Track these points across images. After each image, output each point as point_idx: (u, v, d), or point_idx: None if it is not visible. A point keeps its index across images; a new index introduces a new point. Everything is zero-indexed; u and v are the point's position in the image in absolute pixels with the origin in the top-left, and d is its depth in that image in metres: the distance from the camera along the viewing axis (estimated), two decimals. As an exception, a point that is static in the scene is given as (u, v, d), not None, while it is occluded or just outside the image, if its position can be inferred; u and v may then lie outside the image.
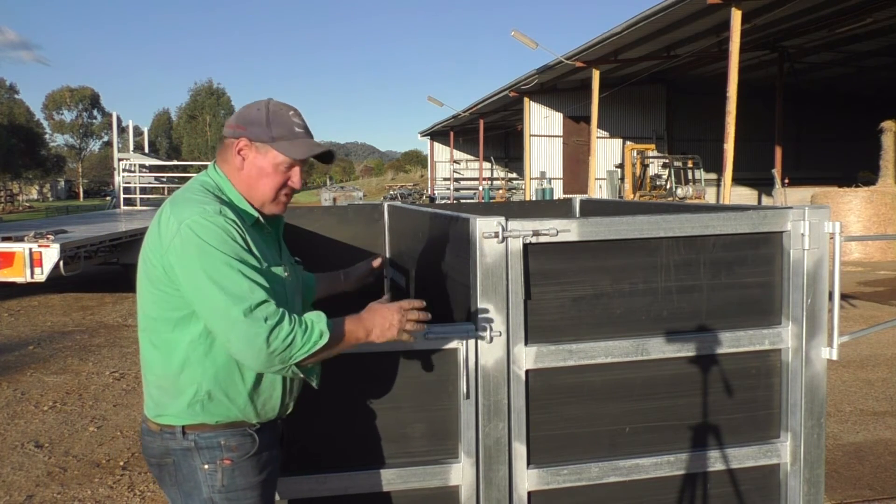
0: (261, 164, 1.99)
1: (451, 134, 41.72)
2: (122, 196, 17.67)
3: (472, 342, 2.32)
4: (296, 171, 2.02)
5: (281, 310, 1.81)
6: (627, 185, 23.48)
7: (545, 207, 5.30)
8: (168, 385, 1.94)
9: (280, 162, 1.98)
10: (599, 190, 26.77)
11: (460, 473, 2.37)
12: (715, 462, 2.53)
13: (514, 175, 41.25)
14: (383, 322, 1.96)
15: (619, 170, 25.93)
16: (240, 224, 1.90)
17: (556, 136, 29.23)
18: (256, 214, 2.01)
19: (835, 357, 2.54)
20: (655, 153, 25.39)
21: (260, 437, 1.99)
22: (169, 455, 1.97)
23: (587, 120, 23.61)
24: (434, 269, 2.94)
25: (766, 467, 2.59)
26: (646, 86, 27.60)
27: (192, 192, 1.97)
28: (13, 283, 10.07)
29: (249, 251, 1.88)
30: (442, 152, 45.20)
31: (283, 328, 1.79)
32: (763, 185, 25.92)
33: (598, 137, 23.80)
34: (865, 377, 6.78)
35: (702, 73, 26.19)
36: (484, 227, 2.29)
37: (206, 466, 1.94)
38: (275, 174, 1.99)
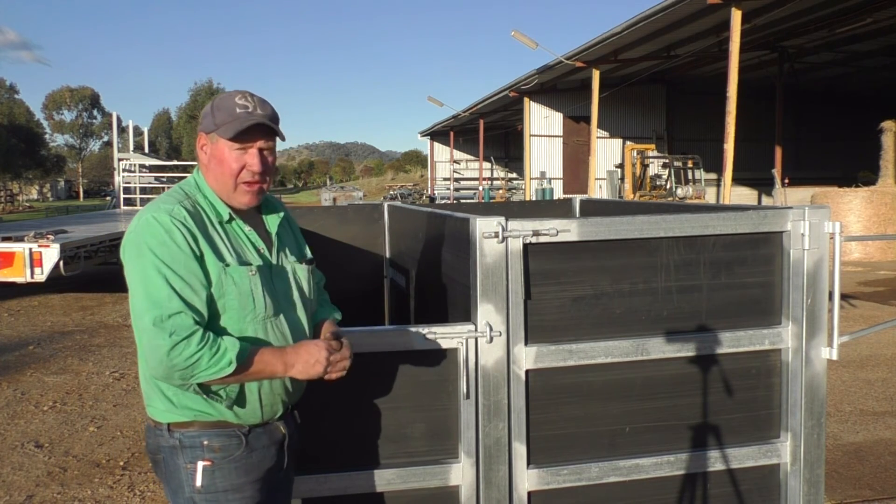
0: (216, 154, 1.96)
1: (451, 134, 41.71)
2: (122, 196, 17.68)
3: (472, 342, 2.32)
4: (251, 153, 1.95)
5: (195, 327, 1.79)
6: (627, 185, 23.47)
7: (545, 207, 5.30)
8: (150, 379, 1.96)
9: (230, 147, 1.94)
10: (599, 190, 26.77)
11: (460, 473, 2.37)
12: (715, 462, 2.53)
13: (514, 175, 41.25)
14: (308, 358, 1.90)
15: (619, 170, 25.93)
16: (191, 224, 1.87)
17: (556, 136, 29.22)
18: (228, 211, 1.98)
19: (835, 357, 2.54)
20: (655, 153, 25.38)
21: (250, 439, 1.97)
22: (160, 452, 1.98)
23: (587, 120, 23.61)
24: (434, 270, 2.94)
25: (766, 467, 2.59)
26: (646, 86, 27.59)
27: (166, 194, 2.00)
28: (13, 283, 10.08)
29: (195, 254, 1.86)
30: (442, 152, 45.20)
31: (190, 347, 1.77)
32: (763, 185, 25.93)
33: (598, 137, 23.80)
34: (865, 377, 6.77)
35: (702, 73, 26.17)
36: (484, 227, 2.29)
37: (188, 466, 1.94)
38: (230, 161, 1.95)
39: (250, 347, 1.87)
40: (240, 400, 1.95)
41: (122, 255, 1.91)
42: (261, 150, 1.97)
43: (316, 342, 1.94)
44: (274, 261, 2.04)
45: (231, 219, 1.98)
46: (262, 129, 1.96)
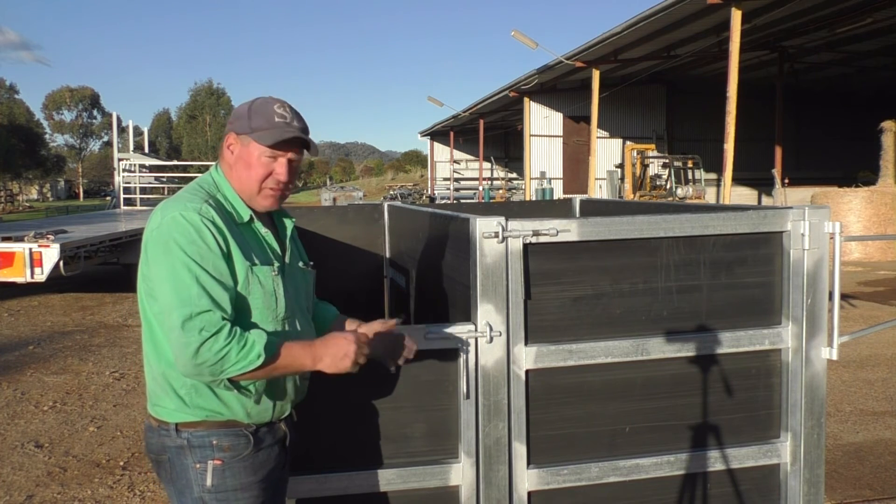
0: (245, 156, 1.99)
1: (451, 134, 41.71)
2: (122, 196, 17.68)
3: (472, 342, 2.32)
4: (280, 162, 1.99)
5: (223, 322, 1.80)
6: (627, 185, 23.47)
7: (545, 207, 5.30)
8: (160, 378, 1.96)
9: (261, 153, 1.97)
10: (599, 190, 26.77)
11: (460, 473, 2.37)
12: (715, 462, 2.53)
13: (514, 175, 41.25)
14: (337, 351, 1.91)
15: (619, 170, 25.92)
16: (220, 223, 1.89)
17: (556, 136, 29.22)
18: (249, 213, 2.00)
19: (835, 357, 2.54)
20: (655, 153, 25.37)
21: (256, 438, 1.99)
22: (164, 452, 1.98)
23: (587, 120, 23.61)
24: (434, 270, 2.94)
25: (766, 467, 2.59)
26: (646, 86, 27.58)
27: (186, 191, 2.01)
28: (13, 283, 10.07)
29: (223, 252, 1.87)
30: (442, 152, 45.20)
31: (218, 342, 1.78)
32: (763, 185, 25.91)
33: (598, 137, 23.79)
34: (865, 377, 6.78)
35: (702, 73, 26.17)
36: (484, 227, 2.29)
37: (198, 465, 1.94)
38: (258, 165, 1.98)
39: (277, 340, 1.88)
40: (270, 393, 1.98)
41: (146, 252, 1.91)
42: (290, 161, 2.01)
43: (345, 335, 1.95)
44: (288, 263, 2.08)
45: (251, 220, 2.01)
46: (297, 142, 2.00)
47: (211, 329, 1.78)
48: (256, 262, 1.95)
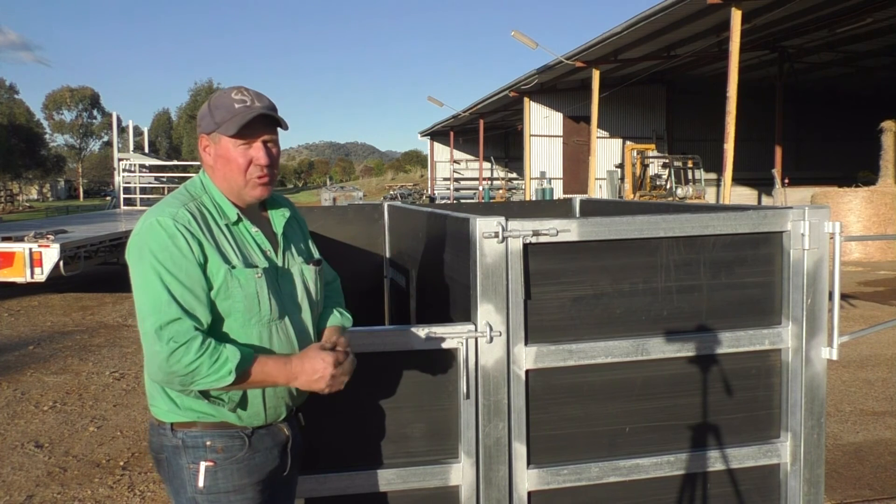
0: (221, 153, 1.95)
1: (451, 134, 41.71)
2: (122, 196, 17.70)
3: (472, 342, 2.32)
4: (256, 146, 1.93)
5: (194, 333, 1.78)
6: (627, 185, 23.46)
7: (545, 207, 5.30)
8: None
9: (234, 144, 1.93)
10: (599, 190, 26.76)
11: (460, 473, 2.37)
12: (715, 462, 2.53)
13: (514, 175, 41.25)
14: (313, 373, 1.87)
15: (619, 170, 25.92)
16: (195, 227, 1.86)
17: (556, 136, 29.21)
18: (236, 212, 1.96)
19: (835, 357, 2.54)
20: (655, 153, 25.37)
21: (253, 441, 1.97)
22: (163, 451, 1.98)
23: (587, 120, 23.61)
24: (434, 269, 2.94)
25: (766, 467, 2.59)
26: (646, 86, 27.58)
27: (171, 195, 1.99)
28: (13, 283, 10.08)
29: (197, 258, 1.84)
30: (442, 152, 45.20)
31: (189, 354, 1.76)
32: (763, 185, 25.90)
33: (598, 137, 23.79)
34: (865, 377, 6.77)
35: (702, 73, 26.17)
36: (484, 227, 2.29)
37: (191, 466, 1.93)
38: (236, 157, 1.93)
39: (253, 356, 1.85)
40: (242, 403, 1.94)
41: (127, 258, 1.91)
42: (265, 143, 1.95)
43: (323, 354, 1.90)
44: (280, 262, 2.01)
45: (238, 220, 1.97)
46: (264, 120, 1.94)
47: (180, 339, 1.76)
48: (237, 264, 1.90)
